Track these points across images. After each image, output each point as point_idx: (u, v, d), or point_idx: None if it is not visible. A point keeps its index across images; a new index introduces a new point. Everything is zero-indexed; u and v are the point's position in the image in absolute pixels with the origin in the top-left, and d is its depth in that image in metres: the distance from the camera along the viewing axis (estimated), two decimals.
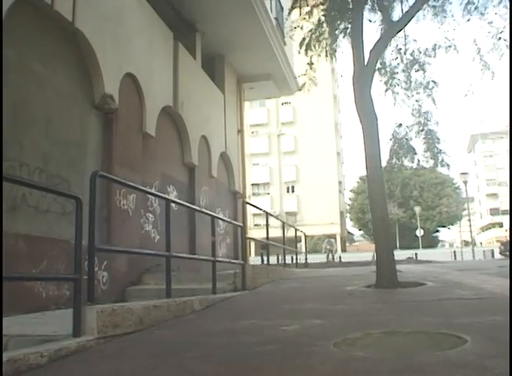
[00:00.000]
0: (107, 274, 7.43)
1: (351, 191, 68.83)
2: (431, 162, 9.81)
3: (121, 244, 7.73)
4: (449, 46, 9.58)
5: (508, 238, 28.32)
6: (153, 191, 8.76)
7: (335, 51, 9.82)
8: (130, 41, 8.71)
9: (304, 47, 9.71)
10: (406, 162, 10.30)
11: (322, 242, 25.08)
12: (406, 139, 9.92)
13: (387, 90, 9.93)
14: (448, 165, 9.81)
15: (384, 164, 9.20)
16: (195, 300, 6.04)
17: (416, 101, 9.98)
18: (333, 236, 60.94)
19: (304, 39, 9.65)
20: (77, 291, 3.99)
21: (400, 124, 9.99)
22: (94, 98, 7.65)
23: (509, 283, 6.30)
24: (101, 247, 5.28)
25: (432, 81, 9.86)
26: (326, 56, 9.87)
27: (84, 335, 3.91)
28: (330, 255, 30.04)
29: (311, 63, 9.91)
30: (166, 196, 7.30)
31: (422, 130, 9.89)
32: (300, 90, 16.27)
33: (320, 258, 28.14)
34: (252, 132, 66.21)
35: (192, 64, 11.82)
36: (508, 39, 8.74)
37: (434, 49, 9.61)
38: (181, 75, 10.70)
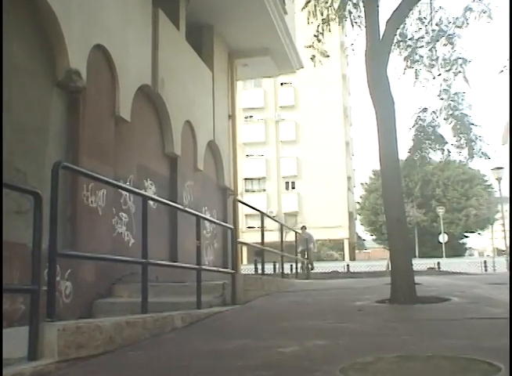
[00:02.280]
0: (71, 285, 7.39)
1: (362, 187, 68.99)
2: (465, 153, 9.75)
3: (89, 248, 7.69)
4: (483, 11, 9.53)
5: None
6: (127, 186, 8.72)
7: (345, 17, 9.78)
8: (100, 6, 8.64)
9: (309, 11, 9.64)
10: (433, 155, 10.26)
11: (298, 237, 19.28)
12: (433, 127, 9.89)
13: (407, 68, 9.90)
14: (487, 156, 9.78)
15: (403, 156, 9.15)
16: (176, 316, 6.03)
17: (445, 80, 9.96)
18: (341, 242, 61.35)
19: (309, 1, 9.58)
20: (34, 304, 3.96)
21: (425, 109, 9.96)
22: (56, 74, 7.58)
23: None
24: (64, 252, 5.25)
25: (462, 58, 9.84)
26: (339, 23, 9.82)
27: (43, 358, 3.88)
28: (305, 260, 21.63)
29: (318, 33, 9.85)
30: (143, 192, 7.27)
31: (452, 115, 9.86)
32: (302, 68, 16.31)
33: (325, 267, 28.16)
34: (246, 118, 66.20)
35: (175, 36, 11.77)
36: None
37: (464, 16, 9.57)
38: (161, 48, 10.65)
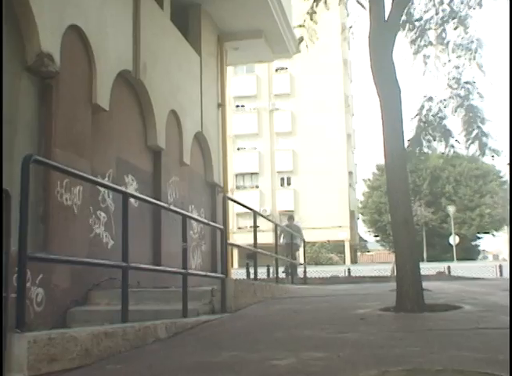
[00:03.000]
0: (43, 291, 7.37)
1: (364, 184, 69.07)
2: (473, 148, 9.78)
3: (63, 251, 7.66)
4: None
5: None
6: (106, 182, 8.70)
7: None
8: None
9: None
10: (438, 148, 10.29)
11: (282, 231, 18.23)
12: (440, 118, 9.92)
13: (415, 53, 9.91)
14: (495, 153, 9.81)
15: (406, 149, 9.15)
16: (159, 325, 6.02)
17: (456, 67, 9.97)
18: (341, 243, 61.46)
19: None
20: (1, 313, 3.93)
21: (430, 98, 9.98)
22: (26, 57, 7.54)
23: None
24: (35, 255, 5.23)
25: (476, 39, 9.84)
26: (340, 2, 9.77)
27: (11, 373, 3.86)
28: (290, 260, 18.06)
29: (312, 11, 9.81)
30: (123, 188, 7.24)
31: (461, 105, 9.88)
32: (299, 52, 16.29)
33: (324, 271, 28.22)
34: (237, 107, 66.14)
35: (159, 16, 11.74)
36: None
37: None
38: (143, 30, 10.62)
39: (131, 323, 5.64)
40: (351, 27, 10.02)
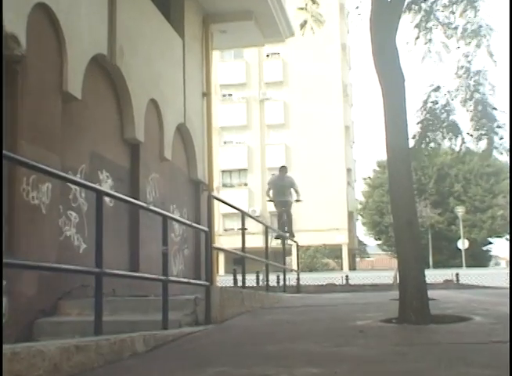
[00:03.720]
0: (6, 300, 7.33)
1: (364, 182, 69.21)
2: (483, 144, 9.79)
3: (29, 255, 7.64)
4: None
5: None
6: (77, 179, 8.67)
7: None
8: None
9: None
10: (444, 144, 10.31)
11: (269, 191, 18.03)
12: (447, 112, 9.93)
13: (418, 37, 9.91)
14: (505, 151, 9.83)
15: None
16: (137, 338, 6.01)
17: (465, 56, 9.98)
18: (339, 247, 61.55)
19: None
20: None
21: (438, 87, 9.98)
22: None
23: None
24: None
25: (487, 24, 9.85)
26: None
27: None
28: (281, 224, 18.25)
29: None
30: (97, 186, 7.21)
31: (471, 98, 9.89)
32: (293, 35, 16.30)
33: (320, 278, 28.23)
34: (224, 96, 66.11)
35: None
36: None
37: None
38: (120, 10, 10.58)
39: (105, 336, 5.63)
40: (357, 8, 9.97)
